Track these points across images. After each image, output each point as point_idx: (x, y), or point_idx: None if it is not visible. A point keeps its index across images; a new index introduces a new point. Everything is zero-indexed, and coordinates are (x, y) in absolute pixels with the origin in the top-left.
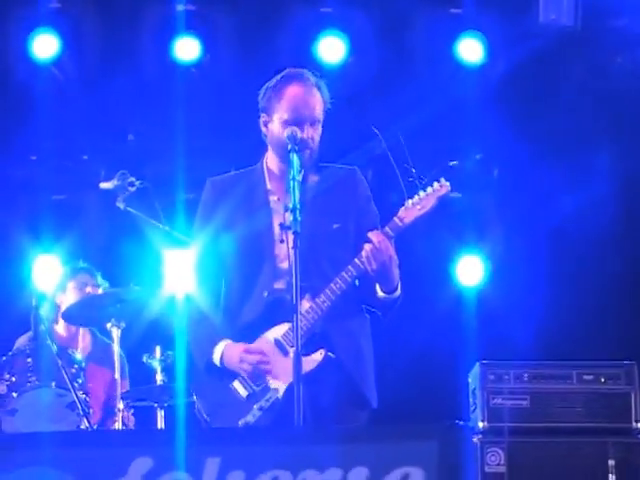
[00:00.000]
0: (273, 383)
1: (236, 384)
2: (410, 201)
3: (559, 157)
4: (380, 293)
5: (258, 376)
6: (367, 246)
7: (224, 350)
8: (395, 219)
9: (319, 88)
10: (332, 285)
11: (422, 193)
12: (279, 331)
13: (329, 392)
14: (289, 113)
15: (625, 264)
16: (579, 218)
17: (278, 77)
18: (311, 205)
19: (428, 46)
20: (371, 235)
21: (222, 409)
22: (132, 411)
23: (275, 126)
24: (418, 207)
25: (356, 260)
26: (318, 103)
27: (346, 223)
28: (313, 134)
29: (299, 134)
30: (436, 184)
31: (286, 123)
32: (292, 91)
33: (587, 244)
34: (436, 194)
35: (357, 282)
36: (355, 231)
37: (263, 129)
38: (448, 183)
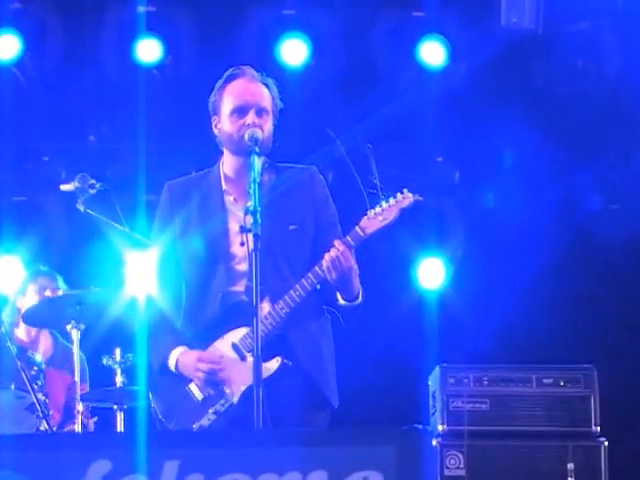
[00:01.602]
0: (228, 388)
1: (192, 387)
2: (372, 211)
3: (522, 159)
4: (341, 300)
5: (213, 382)
6: (327, 256)
7: (179, 356)
8: (357, 228)
9: (265, 84)
10: (291, 292)
11: (385, 204)
12: (237, 335)
13: (287, 397)
14: (233, 103)
15: (583, 266)
16: (539, 220)
17: (223, 78)
18: (268, 206)
19: (391, 49)
20: (336, 243)
21: (177, 411)
22: (95, 419)
23: (224, 122)
24: (380, 218)
25: (316, 268)
26: (264, 94)
27: (304, 224)
28: (259, 121)
29: (260, 135)
30: (399, 195)
31: (232, 114)
32: (234, 85)
33: (546, 246)
34: (399, 205)
35: (318, 286)
36: (314, 232)
37: (215, 131)
38: (411, 194)
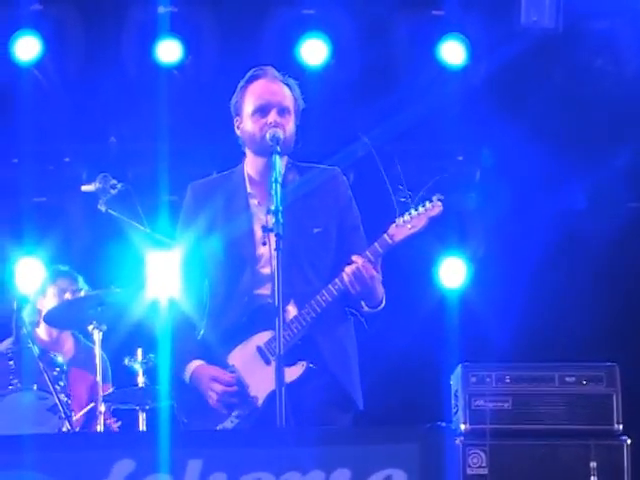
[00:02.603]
0: (253, 391)
1: None
2: (401, 219)
3: (541, 159)
4: (365, 307)
5: (240, 381)
6: (348, 269)
7: (194, 371)
8: (385, 236)
9: (287, 84)
10: (318, 297)
11: (414, 212)
12: (262, 339)
13: (313, 401)
14: (254, 103)
15: (604, 266)
16: (560, 221)
17: (244, 79)
18: (292, 208)
19: (410, 48)
20: (355, 258)
21: (200, 414)
22: (119, 423)
23: (245, 122)
24: (409, 226)
25: (343, 274)
26: (286, 95)
27: (328, 226)
28: (282, 120)
29: (281, 135)
30: (428, 204)
31: (254, 114)
32: (256, 85)
33: (569, 246)
34: (428, 214)
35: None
36: (337, 234)
37: (237, 132)
38: (440, 203)
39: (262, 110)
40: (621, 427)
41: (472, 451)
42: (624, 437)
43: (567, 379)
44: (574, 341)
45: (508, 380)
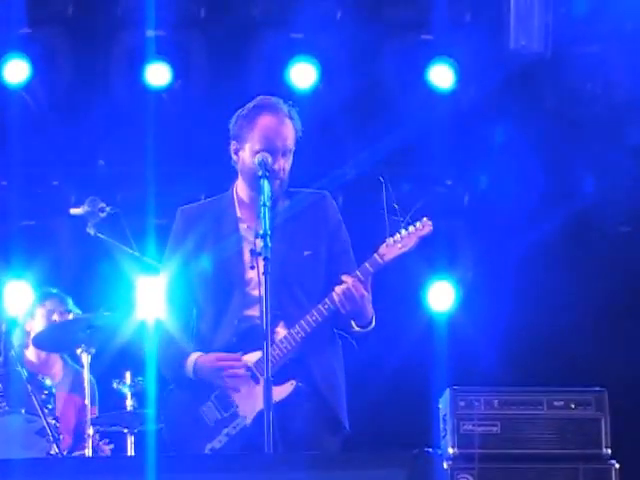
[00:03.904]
0: (242, 410)
1: (205, 408)
2: (392, 239)
3: (530, 182)
4: (355, 327)
5: (229, 400)
6: (338, 289)
7: (196, 360)
8: (375, 256)
9: (291, 118)
10: (307, 317)
11: (404, 232)
12: (251, 358)
13: (301, 420)
14: (261, 143)
15: (593, 289)
16: (548, 245)
17: (250, 105)
18: (281, 232)
19: (399, 72)
20: (344, 278)
21: (190, 433)
22: (111, 446)
23: (246, 155)
24: (399, 246)
25: (333, 294)
26: (290, 133)
27: (317, 249)
28: (284, 165)
29: (270, 160)
30: (418, 223)
31: (258, 152)
32: (264, 121)
33: (555, 270)
34: (418, 233)
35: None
36: (327, 257)
37: (234, 157)
38: (430, 222)
39: (268, 152)
40: (609, 451)
41: (460, 475)
42: (612, 461)
43: (555, 403)
44: (562, 365)
45: (497, 404)
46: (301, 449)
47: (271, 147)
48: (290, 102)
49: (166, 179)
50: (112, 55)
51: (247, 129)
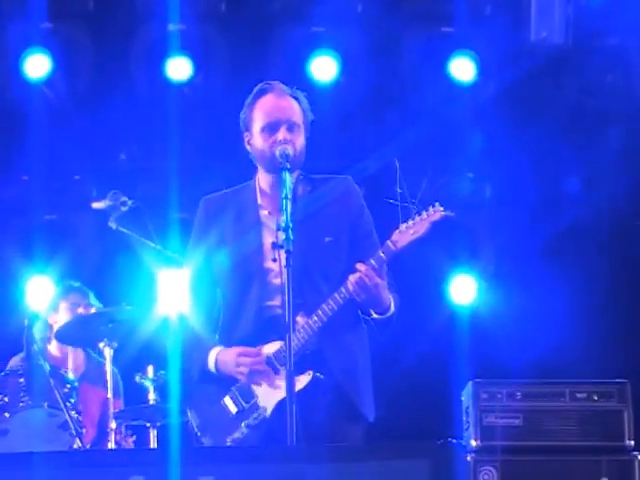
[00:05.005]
0: (262, 401)
1: (227, 400)
2: (404, 225)
3: (552, 175)
4: (373, 314)
5: (249, 391)
6: (352, 277)
7: (218, 355)
8: (388, 242)
9: (295, 97)
10: (324, 306)
11: (417, 217)
12: (271, 349)
13: (319, 410)
14: (263, 119)
15: (619, 283)
16: (571, 236)
17: (252, 94)
18: (304, 219)
19: (420, 65)
20: (359, 266)
21: (212, 425)
22: (134, 438)
23: (255, 139)
24: (411, 232)
25: (347, 283)
26: (294, 109)
27: (339, 235)
28: (291, 137)
29: (290, 152)
30: (430, 209)
31: (263, 130)
32: (264, 100)
33: (580, 262)
34: (430, 219)
35: None
36: (349, 242)
37: (247, 148)
38: (442, 208)
39: (271, 127)
40: (632, 443)
41: (483, 467)
42: (635, 453)
43: (578, 395)
44: (585, 357)
45: (519, 396)
46: (320, 440)
47: (273, 120)
48: (295, 87)
49: (187, 173)
50: (133, 49)
51: (250, 115)
